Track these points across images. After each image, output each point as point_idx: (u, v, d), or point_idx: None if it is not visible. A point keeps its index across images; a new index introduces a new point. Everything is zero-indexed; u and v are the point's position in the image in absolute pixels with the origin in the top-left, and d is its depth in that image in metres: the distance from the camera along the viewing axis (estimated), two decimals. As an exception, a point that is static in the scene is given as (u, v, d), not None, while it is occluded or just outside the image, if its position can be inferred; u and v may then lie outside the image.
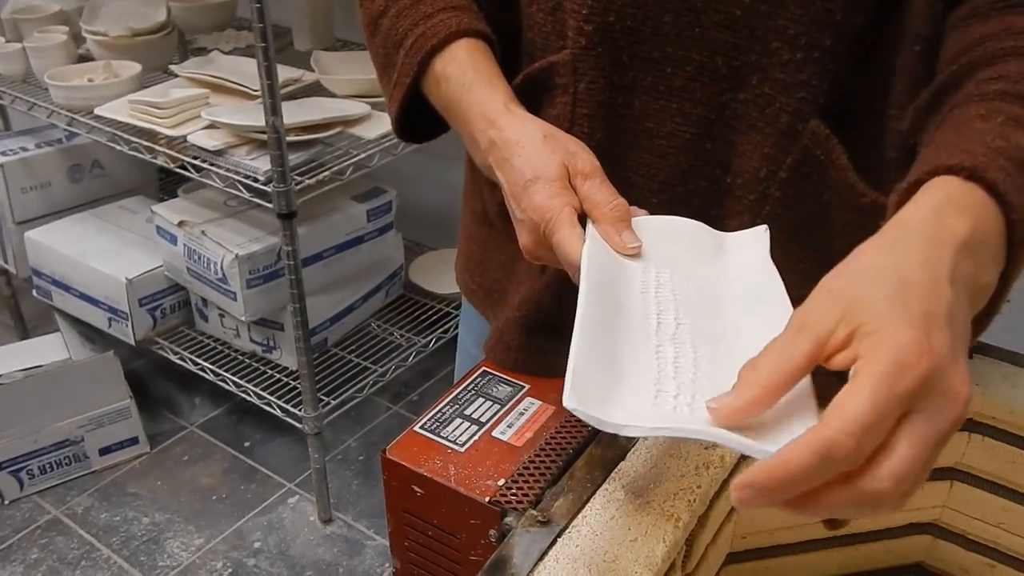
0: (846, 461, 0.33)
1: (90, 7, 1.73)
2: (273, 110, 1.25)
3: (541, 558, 0.50)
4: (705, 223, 0.56)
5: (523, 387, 0.65)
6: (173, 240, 1.57)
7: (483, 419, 0.61)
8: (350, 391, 1.60)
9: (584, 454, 0.58)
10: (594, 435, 0.60)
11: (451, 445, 0.59)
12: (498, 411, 0.62)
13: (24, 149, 1.80)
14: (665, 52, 0.55)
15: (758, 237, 0.53)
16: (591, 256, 0.49)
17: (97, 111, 1.47)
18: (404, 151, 1.51)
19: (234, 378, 1.61)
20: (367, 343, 1.75)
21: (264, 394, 1.58)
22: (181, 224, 1.54)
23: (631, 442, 0.58)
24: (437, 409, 0.63)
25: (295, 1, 1.86)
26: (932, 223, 0.38)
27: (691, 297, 0.49)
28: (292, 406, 1.54)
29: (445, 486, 0.56)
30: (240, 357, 1.68)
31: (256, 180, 1.34)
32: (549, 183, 0.52)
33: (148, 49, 1.66)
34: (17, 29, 1.77)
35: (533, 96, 0.60)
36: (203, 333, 1.73)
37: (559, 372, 0.65)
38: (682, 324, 0.47)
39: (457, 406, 0.63)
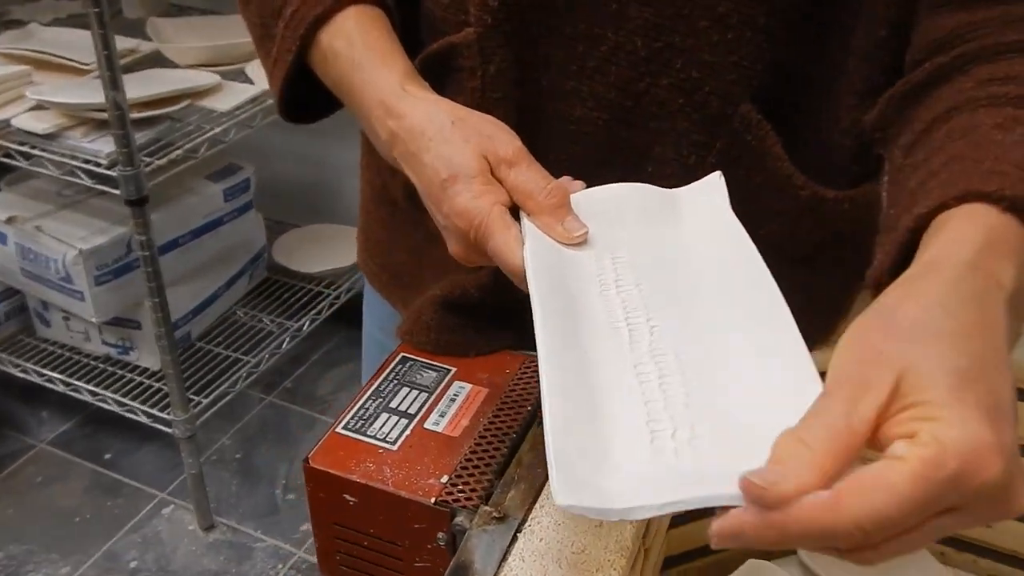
0: (844, 544, 0.29)
1: None
2: (113, 84, 1.11)
3: (504, 558, 0.46)
4: None
5: (449, 370, 0.60)
6: (2, 239, 1.39)
7: (412, 411, 0.56)
8: (222, 387, 1.49)
9: (528, 437, 0.54)
10: (534, 415, 0.56)
11: (382, 444, 0.54)
12: (427, 400, 0.57)
13: None
14: (578, 28, 0.50)
15: (713, 187, 0.48)
16: (535, 257, 0.44)
17: None
18: (262, 123, 1.40)
19: (88, 386, 1.46)
20: (235, 333, 1.64)
21: (125, 400, 1.44)
22: (10, 220, 1.37)
23: (575, 419, 0.55)
24: (359, 405, 0.57)
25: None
26: (980, 273, 0.34)
27: (656, 283, 0.44)
28: (159, 410, 1.42)
29: (382, 491, 0.51)
30: (92, 362, 1.53)
31: (98, 164, 1.20)
32: (469, 181, 0.46)
33: (-53, 21, 1.45)
34: None
35: (434, 81, 0.53)
36: (46, 340, 1.56)
37: (486, 349, 0.61)
38: (656, 327, 0.42)
39: (380, 399, 0.57)
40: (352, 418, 0.56)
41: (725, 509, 0.31)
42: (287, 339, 1.62)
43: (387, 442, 0.54)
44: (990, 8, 0.44)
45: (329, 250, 1.83)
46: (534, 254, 0.44)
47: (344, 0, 0.51)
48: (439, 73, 0.54)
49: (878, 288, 0.38)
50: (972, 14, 0.44)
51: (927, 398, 0.30)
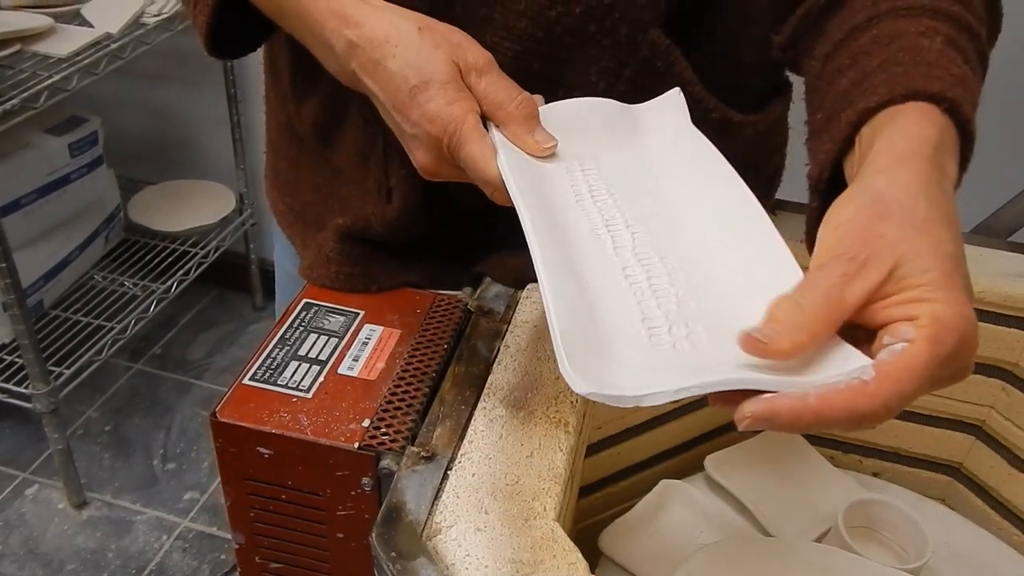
0: (870, 423, 0.32)
1: None
2: (-70, 23, 0.99)
3: (437, 496, 0.45)
4: None
5: (358, 313, 0.58)
6: None
7: (323, 357, 0.54)
8: (85, 356, 1.38)
9: (447, 375, 0.53)
10: (452, 353, 0.55)
11: (295, 392, 0.51)
12: (337, 344, 0.55)
13: None
14: None
15: (672, 102, 0.49)
16: (513, 170, 0.43)
17: None
18: (107, 70, 1.28)
19: (-72, 364, 1.32)
20: (94, 299, 1.53)
21: (-26, 377, 1.31)
22: None
23: (492, 354, 0.54)
24: (265, 355, 0.54)
25: None
26: (939, 168, 0.37)
27: (630, 192, 0.45)
28: (14, 384, 1.30)
29: (300, 440, 0.49)
30: (-71, 338, 1.38)
31: (-82, 116, 1.07)
32: (442, 87, 0.44)
33: None
34: None
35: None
36: None
37: (387, 284, 0.59)
38: (636, 232, 0.43)
39: (288, 347, 0.54)
40: (259, 368, 0.53)
41: (737, 396, 0.33)
42: (153, 303, 1.52)
43: (300, 390, 0.51)
44: None
45: (190, 207, 1.73)
46: (510, 164, 0.43)
47: None
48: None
49: (818, 184, 0.40)
50: None
51: (924, 281, 0.32)
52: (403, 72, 0.44)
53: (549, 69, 0.52)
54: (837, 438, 0.73)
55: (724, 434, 0.72)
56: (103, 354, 1.41)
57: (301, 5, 0.47)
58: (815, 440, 0.71)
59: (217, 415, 0.50)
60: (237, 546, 0.56)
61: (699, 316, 0.38)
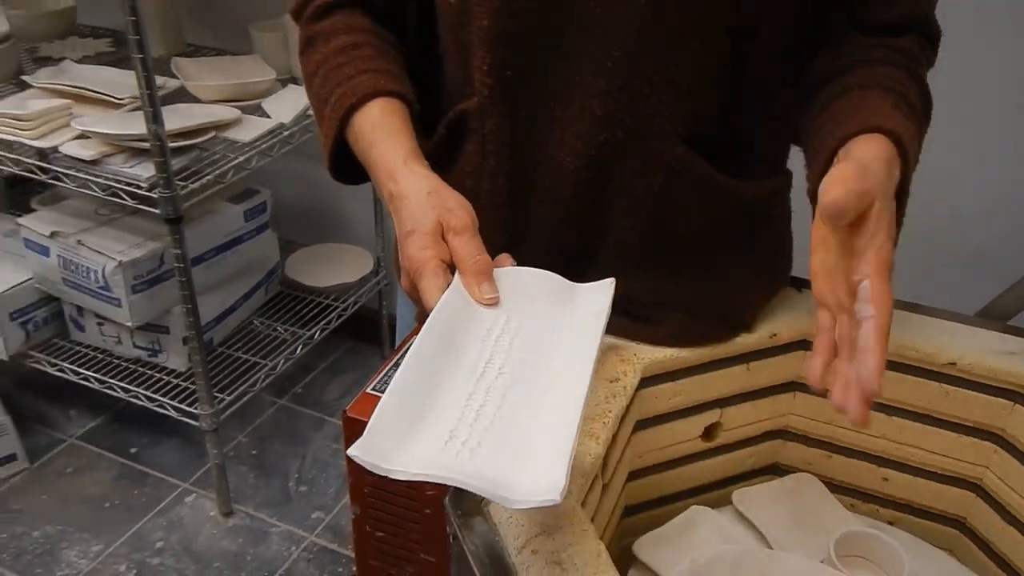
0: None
1: (-76, 17, 1.66)
2: (154, 118, 1.28)
3: (494, 480, 0.62)
4: (595, 231, 0.69)
5: (452, 351, 0.76)
6: (45, 252, 1.55)
7: (424, 379, 0.72)
8: (243, 386, 1.64)
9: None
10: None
11: (402, 402, 0.70)
12: (435, 372, 0.73)
13: None
14: (553, 94, 0.67)
15: (604, 289, 0.62)
16: (443, 304, 0.57)
17: (-46, 124, 1.43)
18: (279, 153, 1.56)
19: (121, 383, 1.61)
20: (252, 340, 1.79)
21: (155, 396, 1.59)
22: (54, 235, 1.53)
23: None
24: (383, 373, 0.73)
25: (144, 6, 1.85)
26: (891, 168, 0.58)
27: (526, 346, 0.58)
28: (186, 405, 1.57)
29: (403, 435, 0.67)
30: (123, 364, 1.68)
31: (139, 187, 1.36)
32: (422, 236, 0.60)
33: (-6, 59, 1.62)
34: None
35: (454, 138, 0.71)
36: (79, 343, 1.71)
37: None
38: (503, 374, 0.55)
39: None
40: (378, 382, 0.72)
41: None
42: (300, 346, 1.77)
43: (405, 401, 0.70)
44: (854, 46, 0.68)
45: (336, 266, 1.98)
46: (446, 300, 0.57)
47: (372, 93, 0.68)
48: (457, 130, 0.72)
49: (814, 196, 0.58)
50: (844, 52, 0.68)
51: (882, 206, 0.55)
52: (405, 220, 0.62)
53: (601, 178, 0.70)
54: (857, 488, 0.83)
55: (754, 477, 0.84)
56: (256, 387, 1.66)
57: (370, 159, 0.67)
58: (835, 488, 0.81)
59: (347, 412, 0.69)
60: (353, 516, 0.75)
61: (490, 437, 0.51)
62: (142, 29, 1.23)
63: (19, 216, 1.68)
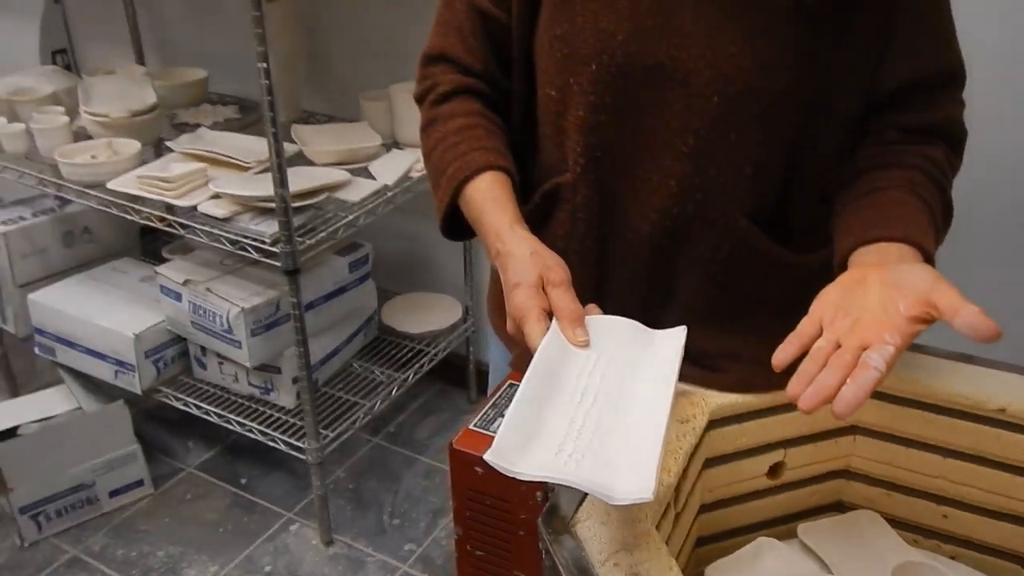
0: None
1: (83, 89, 1.90)
2: (281, 182, 1.45)
3: (580, 504, 0.72)
4: (666, 291, 0.81)
5: (543, 392, 0.87)
6: (178, 297, 1.74)
7: (519, 416, 0.84)
8: (344, 424, 1.78)
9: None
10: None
11: (500, 435, 0.81)
12: (528, 410, 0.85)
13: (22, 218, 1.94)
14: (636, 174, 0.79)
15: (676, 335, 0.74)
16: (546, 345, 0.70)
17: (109, 185, 1.64)
18: (383, 211, 1.72)
19: (237, 418, 1.78)
20: (352, 381, 1.94)
21: (267, 431, 1.75)
22: (186, 283, 1.72)
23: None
24: (482, 412, 0.85)
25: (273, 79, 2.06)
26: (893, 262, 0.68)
27: (613, 380, 0.70)
28: (295, 440, 1.72)
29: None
30: (238, 400, 1.85)
31: (263, 242, 1.53)
32: (527, 288, 0.73)
33: (143, 127, 1.84)
34: (13, 110, 1.93)
35: (548, 206, 0.84)
36: (201, 380, 1.89)
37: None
38: (597, 402, 0.68)
39: (496, 409, 0.85)
40: (479, 420, 0.83)
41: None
42: (395, 387, 1.91)
43: (503, 435, 0.81)
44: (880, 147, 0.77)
45: (427, 314, 2.12)
46: (546, 344, 0.70)
47: (483, 167, 0.81)
48: (551, 200, 0.84)
49: (841, 260, 0.70)
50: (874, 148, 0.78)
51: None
52: (512, 275, 0.74)
53: (673, 247, 0.81)
54: (918, 524, 0.87)
55: (818, 513, 0.92)
56: (356, 424, 1.80)
57: (481, 223, 0.80)
58: (897, 524, 0.86)
59: (453, 444, 0.81)
60: (456, 537, 0.86)
61: (591, 450, 0.63)
62: (276, 105, 1.40)
63: (152, 263, 1.89)
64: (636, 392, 0.70)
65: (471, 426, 0.83)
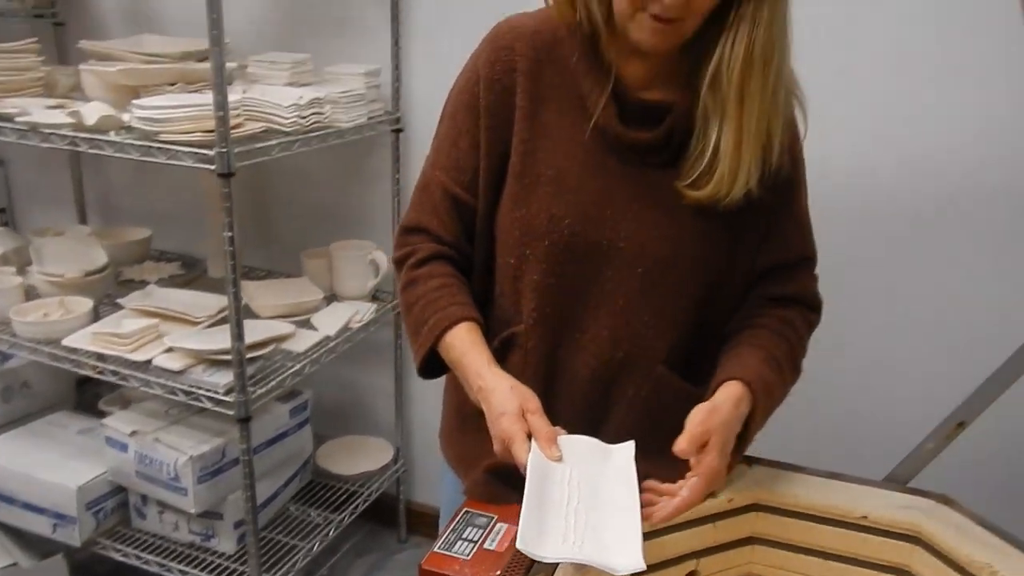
0: None
1: (35, 250, 2.01)
2: (239, 336, 1.59)
3: (534, 607, 0.87)
4: (602, 419, 1.01)
5: (493, 516, 1.02)
6: (124, 448, 1.81)
7: (475, 538, 0.98)
8: (285, 566, 1.84)
9: (543, 551, 0.96)
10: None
11: (461, 556, 0.95)
12: (482, 533, 1.00)
13: (-39, 376, 1.99)
14: (577, 325, 1.01)
15: (628, 448, 0.95)
16: (533, 460, 0.88)
17: (64, 342, 1.74)
18: (324, 360, 1.86)
19: (179, 566, 1.81)
20: (289, 524, 2.01)
21: (210, 578, 1.79)
22: (134, 434, 1.79)
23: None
24: (444, 537, 0.99)
25: (210, 234, 2.22)
26: (739, 405, 0.92)
27: (588, 485, 0.90)
28: (236, 586, 1.77)
29: (465, 579, 0.92)
30: (179, 548, 1.89)
31: (217, 392, 1.65)
32: (511, 416, 0.91)
33: (94, 285, 1.95)
34: (-41, 272, 2.01)
35: (505, 350, 1.03)
36: (140, 530, 1.92)
37: (512, 501, 1.05)
38: (581, 502, 0.87)
39: (456, 532, 1.00)
40: (442, 543, 0.98)
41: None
42: (332, 529, 1.99)
43: (463, 555, 0.95)
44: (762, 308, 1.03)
45: (360, 457, 2.23)
46: (533, 456, 0.89)
47: (459, 319, 1.00)
48: (507, 345, 1.04)
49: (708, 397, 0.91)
50: (754, 309, 1.03)
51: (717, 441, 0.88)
52: (496, 406, 0.93)
53: (607, 387, 1.01)
54: None
55: None
56: (296, 567, 1.86)
57: (461, 364, 0.99)
58: None
59: (423, 566, 0.95)
60: (423, 650, 0.97)
61: (588, 539, 0.83)
62: (237, 268, 1.56)
63: (88, 416, 1.95)
64: (608, 494, 0.89)
65: (436, 548, 0.97)
